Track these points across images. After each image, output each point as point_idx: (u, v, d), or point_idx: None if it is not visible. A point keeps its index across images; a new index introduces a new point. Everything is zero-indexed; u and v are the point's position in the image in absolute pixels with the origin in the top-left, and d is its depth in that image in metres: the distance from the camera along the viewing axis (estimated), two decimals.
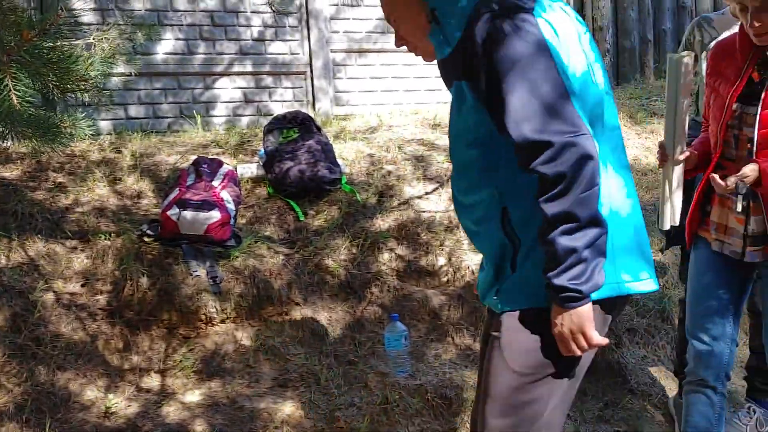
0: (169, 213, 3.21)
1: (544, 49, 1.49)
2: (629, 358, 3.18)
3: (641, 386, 3.10)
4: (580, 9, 6.28)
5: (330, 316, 3.26)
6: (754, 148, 2.10)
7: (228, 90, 5.41)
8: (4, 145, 3.98)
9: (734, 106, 2.15)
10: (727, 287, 2.27)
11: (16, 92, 1.69)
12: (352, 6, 5.56)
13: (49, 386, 2.77)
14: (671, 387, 3.10)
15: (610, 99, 1.68)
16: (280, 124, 3.90)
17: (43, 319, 2.94)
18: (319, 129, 3.98)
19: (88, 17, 5.09)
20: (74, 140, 2.50)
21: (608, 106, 1.65)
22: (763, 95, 2.09)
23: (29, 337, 2.89)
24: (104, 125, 4.87)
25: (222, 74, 5.39)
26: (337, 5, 5.61)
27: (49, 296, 3.03)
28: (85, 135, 2.52)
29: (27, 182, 3.59)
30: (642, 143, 4.58)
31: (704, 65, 2.47)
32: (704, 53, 2.70)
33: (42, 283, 3.04)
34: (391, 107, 5.65)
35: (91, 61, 2.35)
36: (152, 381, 2.93)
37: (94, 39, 3.88)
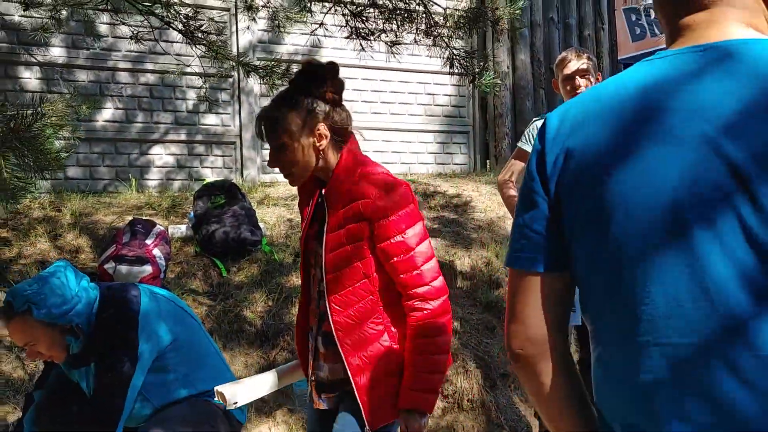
0: (106, 267, 3.64)
1: None
2: (501, 398, 3.76)
3: (509, 423, 3.67)
4: (483, 97, 7.13)
5: (246, 361, 3.72)
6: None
7: (162, 156, 5.89)
8: None
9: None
10: None
11: (6, 169, 2.19)
12: (282, 86, 6.20)
13: None
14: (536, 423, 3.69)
15: None
16: (208, 191, 4.41)
17: None
18: (243, 196, 4.51)
19: (32, 84, 5.53)
20: (24, 200, 2.95)
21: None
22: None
23: None
24: (44, 184, 5.26)
25: (157, 141, 5.89)
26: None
27: None
28: (37, 195, 2.98)
29: None
30: None
31: None
32: None
33: None
34: None
35: (50, 136, 2.82)
36: None
37: (40, 109, 4.34)
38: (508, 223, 5.18)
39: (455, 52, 2.82)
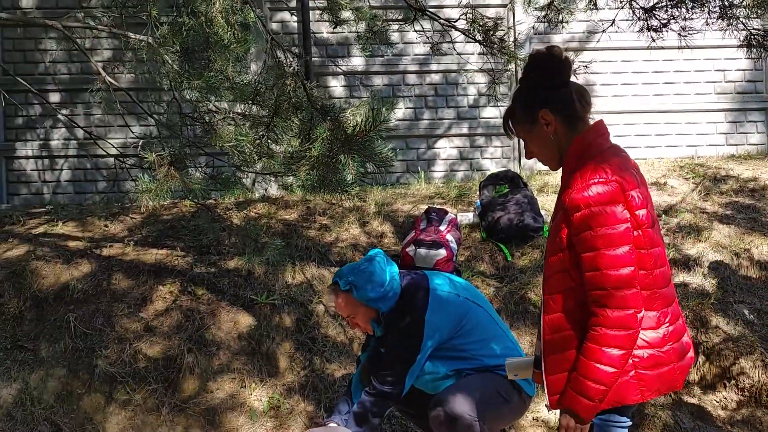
0: (407, 250, 4.15)
1: None
2: None
3: None
4: None
5: (532, 340, 3.95)
6: None
7: (446, 149, 6.38)
8: (281, 195, 5.26)
9: None
10: None
11: (352, 170, 2.74)
12: None
13: (321, 372, 3.78)
14: None
15: None
16: (493, 180, 4.73)
17: (317, 324, 4.00)
18: (525, 185, 4.74)
19: (338, 92, 6.36)
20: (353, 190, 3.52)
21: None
22: None
23: (308, 336, 3.95)
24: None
25: (442, 136, 6.39)
26: None
27: (320, 307, 4.09)
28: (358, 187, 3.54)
29: (302, 223, 4.77)
30: None
31: None
32: None
33: (315, 298, 4.12)
34: None
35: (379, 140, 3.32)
36: None
37: (349, 113, 5.01)
38: None
39: (753, 32, 2.70)
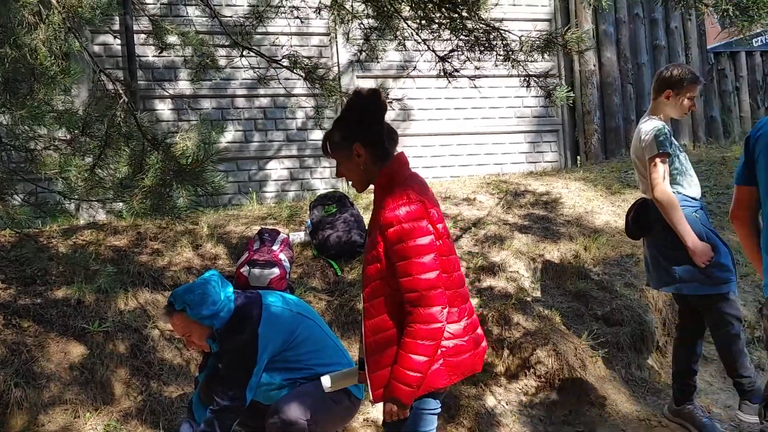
0: (241, 270, 4.32)
1: None
2: (589, 377, 4.14)
3: (598, 399, 4.05)
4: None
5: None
6: None
7: (277, 170, 6.61)
8: (109, 221, 5.19)
9: None
10: None
11: (185, 198, 2.89)
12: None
13: (158, 395, 3.84)
14: (621, 399, 4.04)
15: None
16: (322, 201, 5.03)
17: (153, 348, 4.04)
18: (352, 204, 5.10)
19: (166, 115, 6.36)
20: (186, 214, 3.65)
21: None
22: None
23: (143, 361, 3.98)
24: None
25: (272, 157, 6.61)
26: None
27: (156, 332, 4.14)
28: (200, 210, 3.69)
29: (132, 248, 4.76)
30: (614, 210, 5.61)
31: None
32: None
33: (150, 323, 4.16)
34: None
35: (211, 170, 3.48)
36: None
37: (178, 138, 5.08)
38: (596, 218, 5.51)
39: (531, 73, 3.25)
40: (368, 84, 6.55)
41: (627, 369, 4.30)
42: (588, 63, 7.38)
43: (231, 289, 3.17)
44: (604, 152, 7.33)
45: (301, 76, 3.90)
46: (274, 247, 4.48)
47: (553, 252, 4.99)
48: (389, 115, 7.41)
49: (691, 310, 3.79)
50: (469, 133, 7.20)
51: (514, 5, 7.22)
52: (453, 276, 2.39)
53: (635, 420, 3.95)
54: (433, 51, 3.60)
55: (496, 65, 3.48)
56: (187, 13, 6.32)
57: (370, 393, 2.39)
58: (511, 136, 7.34)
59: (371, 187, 2.51)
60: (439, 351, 2.31)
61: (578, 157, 7.46)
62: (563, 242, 5.13)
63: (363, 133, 2.41)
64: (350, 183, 2.52)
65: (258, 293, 3.28)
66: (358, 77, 6.83)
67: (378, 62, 6.77)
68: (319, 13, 4.07)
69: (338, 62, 6.75)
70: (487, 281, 4.69)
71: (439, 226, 2.37)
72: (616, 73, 7.50)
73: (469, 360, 2.40)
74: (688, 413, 3.77)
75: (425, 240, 2.27)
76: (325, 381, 2.59)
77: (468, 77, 3.53)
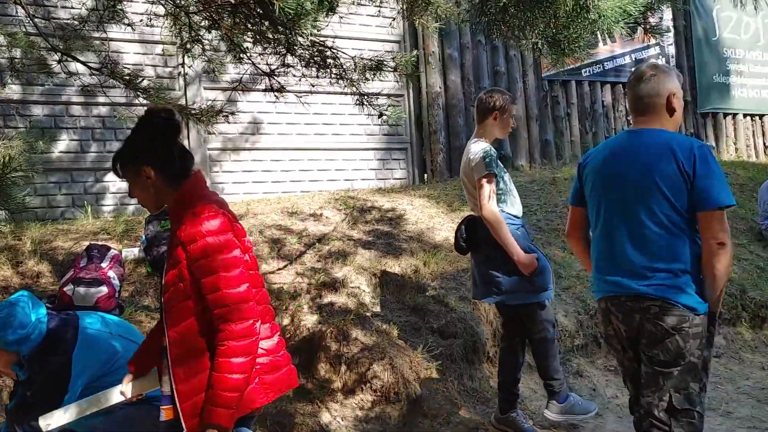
0: (65, 289, 4.05)
1: None
2: (424, 390, 4.27)
3: (431, 411, 4.17)
4: (418, 116, 7.68)
5: None
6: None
7: (116, 182, 6.29)
8: None
9: None
10: None
11: None
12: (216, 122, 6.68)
13: None
14: (454, 410, 4.20)
15: None
16: (157, 216, 4.83)
17: None
18: None
19: None
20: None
21: None
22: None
23: None
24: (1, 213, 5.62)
25: (110, 169, 6.27)
26: None
27: None
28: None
29: None
30: (453, 227, 5.85)
31: None
32: None
33: None
34: (260, 196, 6.71)
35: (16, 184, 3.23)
36: None
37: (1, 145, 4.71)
38: (436, 234, 5.72)
39: (363, 93, 3.33)
40: (214, 95, 6.42)
41: (459, 380, 4.48)
42: (434, 85, 7.68)
43: (44, 310, 2.96)
44: (449, 170, 7.64)
45: (123, 85, 3.73)
46: (103, 264, 4.25)
47: (395, 267, 5.11)
48: (237, 128, 7.32)
49: (514, 321, 4.02)
50: (320, 148, 7.24)
51: (364, 25, 7.38)
52: (261, 291, 2.37)
53: (465, 429, 4.12)
54: (256, 66, 3.60)
55: (331, 83, 3.53)
56: (17, 12, 5.87)
57: (183, 425, 2.29)
58: (361, 153, 7.46)
59: None
60: (254, 369, 2.27)
61: (425, 175, 7.72)
62: (404, 257, 5.27)
63: (152, 155, 2.34)
64: (143, 204, 2.45)
65: (75, 314, 3.08)
66: (205, 89, 6.67)
67: (222, 74, 6.71)
68: (150, 21, 3.92)
69: (184, 73, 6.56)
70: (329, 297, 4.71)
71: (244, 239, 2.35)
72: (460, 95, 7.85)
73: (285, 376, 2.38)
74: (512, 420, 3.99)
75: (232, 254, 2.22)
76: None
77: (295, 93, 3.56)
